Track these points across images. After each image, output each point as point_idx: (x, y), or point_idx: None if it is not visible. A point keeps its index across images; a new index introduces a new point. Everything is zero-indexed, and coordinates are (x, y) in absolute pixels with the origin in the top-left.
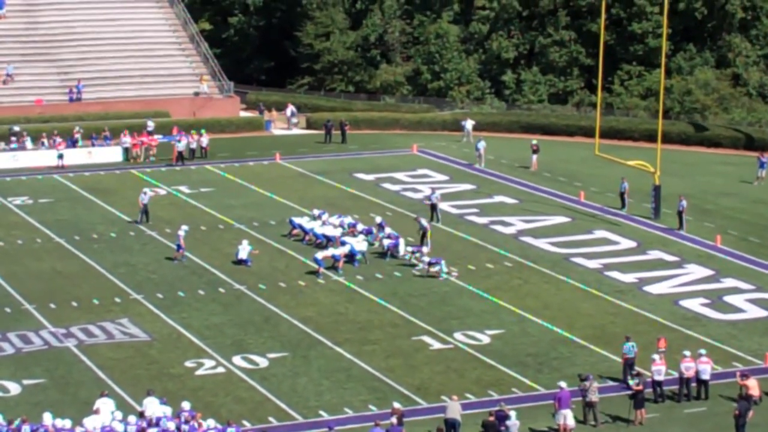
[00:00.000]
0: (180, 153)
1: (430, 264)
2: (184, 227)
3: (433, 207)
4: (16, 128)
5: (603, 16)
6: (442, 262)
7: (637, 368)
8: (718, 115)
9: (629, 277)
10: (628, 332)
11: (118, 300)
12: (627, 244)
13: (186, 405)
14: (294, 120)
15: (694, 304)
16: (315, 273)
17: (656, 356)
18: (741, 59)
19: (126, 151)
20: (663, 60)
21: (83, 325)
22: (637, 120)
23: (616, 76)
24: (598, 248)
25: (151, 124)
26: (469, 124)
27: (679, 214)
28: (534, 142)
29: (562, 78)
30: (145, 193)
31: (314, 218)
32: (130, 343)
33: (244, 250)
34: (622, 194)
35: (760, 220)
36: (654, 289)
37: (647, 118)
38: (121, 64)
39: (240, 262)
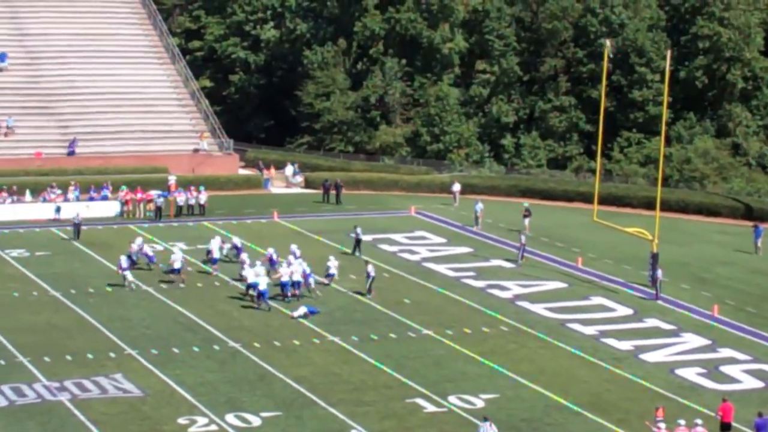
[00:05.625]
0: (179, 207)
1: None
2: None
3: (358, 242)
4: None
5: (604, 82)
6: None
7: None
8: (717, 184)
9: (626, 345)
10: (624, 400)
11: (112, 355)
12: (624, 311)
13: None
14: (298, 179)
15: (691, 374)
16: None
17: (662, 425)
18: (741, 129)
19: (123, 205)
20: (663, 128)
21: (77, 380)
22: (635, 187)
23: (615, 143)
24: (594, 315)
25: (172, 178)
26: (455, 186)
27: (657, 282)
28: (526, 205)
29: (562, 143)
30: (78, 215)
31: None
32: (124, 399)
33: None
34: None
35: (756, 290)
36: (650, 357)
37: (646, 186)
38: (121, 119)
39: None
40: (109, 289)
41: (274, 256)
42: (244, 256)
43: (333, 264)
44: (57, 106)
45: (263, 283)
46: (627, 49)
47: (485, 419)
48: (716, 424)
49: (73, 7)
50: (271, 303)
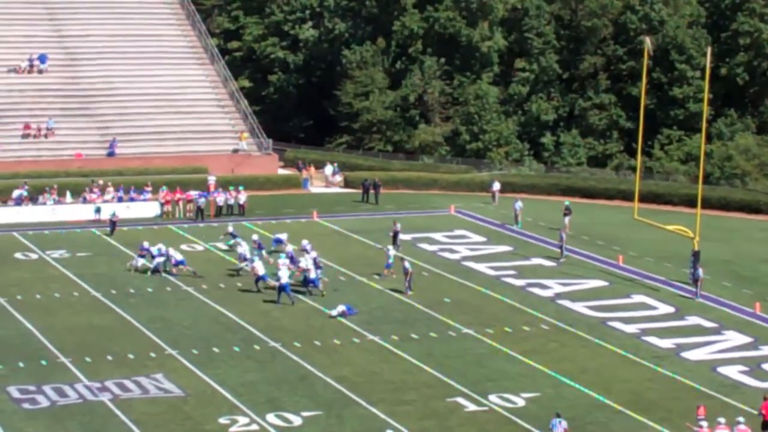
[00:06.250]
0: (219, 208)
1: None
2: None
3: (395, 234)
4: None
5: (644, 80)
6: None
7: None
8: (758, 180)
9: (667, 343)
10: (666, 398)
11: (153, 355)
12: (665, 309)
13: None
14: (337, 178)
15: (732, 371)
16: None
17: (704, 424)
18: None
19: (163, 206)
20: (704, 125)
21: (118, 380)
22: (676, 184)
23: (656, 140)
24: (635, 313)
25: (212, 179)
26: (495, 185)
27: (698, 280)
28: (566, 203)
29: (602, 141)
30: (113, 214)
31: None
32: (165, 399)
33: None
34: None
35: None
36: (692, 355)
37: (687, 183)
38: (160, 120)
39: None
40: (150, 289)
41: (294, 254)
42: (241, 246)
43: (391, 254)
44: (97, 108)
45: (284, 277)
46: (667, 46)
47: (557, 415)
48: (758, 423)
49: (112, 9)
50: (308, 301)
